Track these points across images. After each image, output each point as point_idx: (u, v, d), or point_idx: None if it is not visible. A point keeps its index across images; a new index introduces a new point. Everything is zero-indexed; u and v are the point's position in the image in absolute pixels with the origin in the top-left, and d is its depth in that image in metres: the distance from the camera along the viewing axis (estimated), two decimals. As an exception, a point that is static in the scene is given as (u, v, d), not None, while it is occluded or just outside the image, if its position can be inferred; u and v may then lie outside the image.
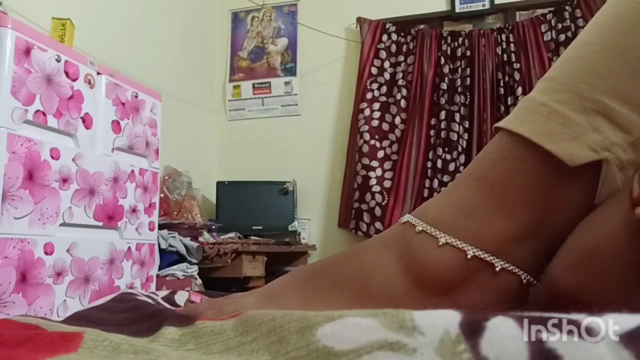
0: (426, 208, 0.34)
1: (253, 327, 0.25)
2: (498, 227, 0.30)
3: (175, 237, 1.90)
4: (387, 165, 2.70)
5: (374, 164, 2.70)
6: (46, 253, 1.20)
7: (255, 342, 0.24)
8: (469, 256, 0.30)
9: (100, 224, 1.40)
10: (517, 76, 2.57)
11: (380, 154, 2.72)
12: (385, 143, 2.72)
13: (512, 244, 0.30)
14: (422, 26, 2.87)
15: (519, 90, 2.54)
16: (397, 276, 0.32)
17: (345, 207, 2.77)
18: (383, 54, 2.80)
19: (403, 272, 0.32)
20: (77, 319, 0.37)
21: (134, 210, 1.54)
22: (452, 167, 2.56)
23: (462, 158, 2.57)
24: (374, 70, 2.81)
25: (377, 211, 2.65)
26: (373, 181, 2.68)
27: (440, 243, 0.31)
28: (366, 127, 2.74)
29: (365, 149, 2.71)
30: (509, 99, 2.56)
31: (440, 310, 0.20)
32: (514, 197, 0.30)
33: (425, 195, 2.59)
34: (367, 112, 2.76)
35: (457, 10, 2.78)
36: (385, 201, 2.67)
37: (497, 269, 0.30)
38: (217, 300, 0.39)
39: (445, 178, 2.57)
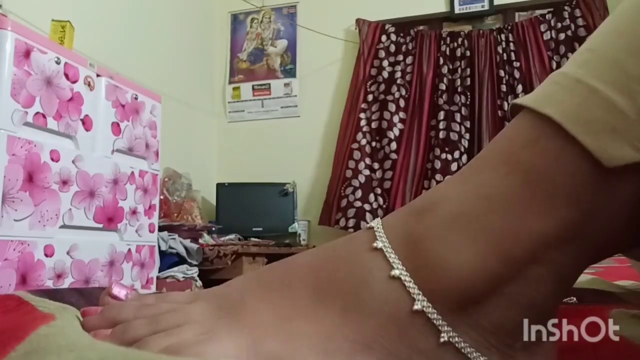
0: (440, 195, 0.27)
1: None
2: (534, 227, 0.24)
3: (175, 239, 1.90)
4: (387, 164, 2.70)
5: (375, 165, 2.71)
6: (46, 255, 1.20)
7: None
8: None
9: (101, 225, 1.39)
10: (517, 74, 2.57)
11: (380, 154, 2.72)
12: (384, 142, 2.71)
13: (550, 248, 0.24)
14: (421, 27, 2.87)
15: (519, 88, 2.54)
16: (404, 286, 0.25)
17: (337, 206, 2.72)
18: (382, 54, 2.80)
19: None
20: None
21: (134, 212, 1.54)
22: (454, 167, 2.56)
23: (465, 158, 2.58)
24: (373, 72, 2.81)
25: (379, 213, 2.65)
26: (375, 183, 2.70)
27: (460, 242, 0.25)
28: (367, 129, 2.75)
29: (366, 150, 2.72)
30: (510, 97, 2.56)
31: None
32: (555, 188, 0.24)
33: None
34: (367, 113, 2.77)
35: (457, 11, 2.78)
36: (386, 203, 2.67)
37: (529, 279, 0.24)
38: (149, 303, 0.29)
39: (446, 179, 2.57)
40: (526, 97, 0.26)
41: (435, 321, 0.24)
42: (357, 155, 2.71)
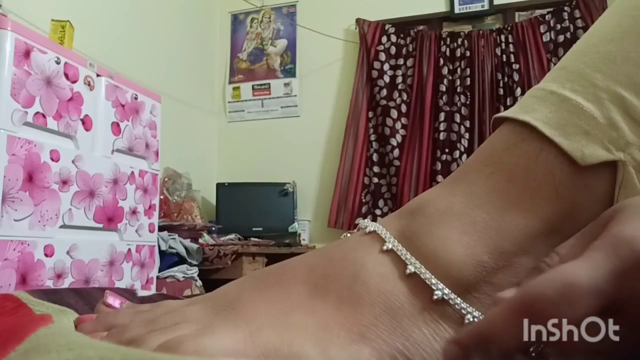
0: (428, 197, 0.28)
1: None
2: (519, 220, 0.25)
3: (175, 239, 1.90)
4: (392, 171, 2.71)
5: (384, 171, 2.73)
6: (46, 255, 1.20)
7: None
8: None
9: (100, 225, 1.39)
10: (516, 77, 2.57)
11: (385, 160, 2.73)
12: (388, 149, 2.72)
13: (535, 240, 0.25)
14: (421, 27, 2.87)
15: (518, 90, 2.54)
16: (397, 277, 0.26)
17: (359, 212, 2.77)
18: (382, 56, 2.80)
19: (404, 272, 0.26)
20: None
21: (134, 212, 1.54)
22: (454, 167, 2.57)
23: (465, 158, 2.58)
24: (374, 73, 2.81)
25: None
26: (384, 189, 2.72)
27: (454, 236, 0.26)
28: (374, 137, 2.76)
29: (373, 158, 2.74)
30: (508, 99, 2.56)
31: None
32: (537, 184, 0.26)
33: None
34: (372, 121, 2.78)
35: (457, 11, 2.78)
36: (394, 208, 2.68)
37: (518, 268, 0.25)
38: (144, 310, 0.29)
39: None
40: (506, 111, 0.28)
41: None
42: (371, 163, 2.76)
